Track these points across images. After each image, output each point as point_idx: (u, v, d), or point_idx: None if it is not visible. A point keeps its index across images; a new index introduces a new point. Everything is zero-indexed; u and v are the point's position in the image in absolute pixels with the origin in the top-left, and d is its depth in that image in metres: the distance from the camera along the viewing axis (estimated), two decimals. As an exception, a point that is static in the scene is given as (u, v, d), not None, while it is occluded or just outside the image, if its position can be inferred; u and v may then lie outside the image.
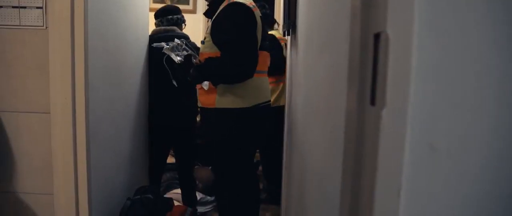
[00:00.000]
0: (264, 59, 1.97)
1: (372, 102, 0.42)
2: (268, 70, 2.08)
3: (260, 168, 3.23)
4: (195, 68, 1.87)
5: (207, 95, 1.90)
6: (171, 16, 2.55)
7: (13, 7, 1.66)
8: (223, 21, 1.81)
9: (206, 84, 1.88)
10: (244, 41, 1.78)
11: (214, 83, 1.87)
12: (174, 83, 2.12)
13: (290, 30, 1.83)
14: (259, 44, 1.84)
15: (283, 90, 2.79)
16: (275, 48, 2.64)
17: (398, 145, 0.37)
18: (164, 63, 2.23)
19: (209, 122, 1.94)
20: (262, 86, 1.96)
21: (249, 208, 2.02)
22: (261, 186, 2.86)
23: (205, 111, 1.95)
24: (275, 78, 2.76)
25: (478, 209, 0.37)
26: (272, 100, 2.77)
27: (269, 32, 2.61)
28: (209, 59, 1.86)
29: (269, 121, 2.06)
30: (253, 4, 1.89)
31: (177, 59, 1.89)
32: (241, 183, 1.99)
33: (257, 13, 1.86)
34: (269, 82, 2.13)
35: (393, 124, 0.38)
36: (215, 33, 1.83)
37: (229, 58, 1.77)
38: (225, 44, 1.80)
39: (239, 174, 1.99)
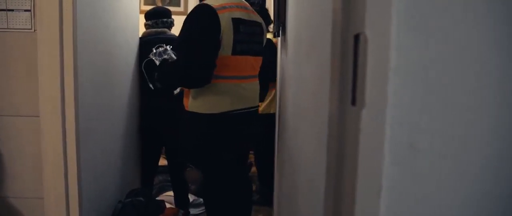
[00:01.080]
0: (245, 64, 1.86)
1: (353, 102, 0.42)
2: (261, 75, 2.02)
3: (254, 169, 3.22)
4: (157, 71, 1.87)
5: (185, 97, 1.88)
6: (166, 19, 2.54)
7: (1, 10, 1.64)
8: (183, 23, 1.76)
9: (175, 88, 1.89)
10: (193, 43, 1.67)
11: (172, 86, 1.86)
12: (151, 86, 2.16)
13: (280, 32, 1.82)
14: (229, 47, 1.73)
15: (275, 97, 2.72)
16: (267, 53, 2.53)
17: (378, 145, 0.37)
18: (142, 68, 2.25)
19: (184, 124, 1.91)
20: (240, 93, 1.84)
21: (232, 210, 1.98)
22: (254, 187, 2.85)
23: (184, 113, 1.90)
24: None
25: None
26: (262, 106, 2.74)
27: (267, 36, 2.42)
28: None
29: (247, 126, 1.94)
30: (229, 4, 1.76)
31: (158, 63, 1.91)
32: (221, 186, 1.95)
33: (227, 15, 1.71)
34: None
35: (373, 125, 0.38)
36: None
37: (178, 60, 1.76)
38: (177, 46, 1.79)
39: (218, 177, 1.94)
